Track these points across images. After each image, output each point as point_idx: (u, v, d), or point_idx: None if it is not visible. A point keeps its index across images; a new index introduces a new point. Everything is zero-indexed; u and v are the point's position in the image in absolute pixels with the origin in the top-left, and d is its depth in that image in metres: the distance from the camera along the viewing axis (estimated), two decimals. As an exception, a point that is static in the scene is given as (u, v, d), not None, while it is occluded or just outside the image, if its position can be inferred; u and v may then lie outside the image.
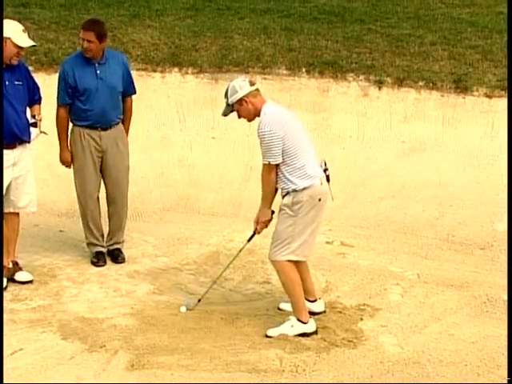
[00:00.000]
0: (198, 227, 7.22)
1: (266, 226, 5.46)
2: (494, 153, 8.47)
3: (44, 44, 9.85)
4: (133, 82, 6.42)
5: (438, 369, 4.98)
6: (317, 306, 5.60)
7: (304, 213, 5.25)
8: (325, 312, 5.61)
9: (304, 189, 5.22)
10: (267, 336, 5.30)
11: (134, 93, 6.44)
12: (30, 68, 9.05)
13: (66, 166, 6.39)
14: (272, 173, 5.24)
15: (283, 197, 5.32)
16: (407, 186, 8.02)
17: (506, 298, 5.61)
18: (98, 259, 6.39)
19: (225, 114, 5.40)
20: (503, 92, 9.04)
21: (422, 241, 7.02)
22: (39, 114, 6.00)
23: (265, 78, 9.38)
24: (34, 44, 5.91)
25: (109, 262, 6.42)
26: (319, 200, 5.26)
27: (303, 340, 5.26)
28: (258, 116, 5.25)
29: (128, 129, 6.51)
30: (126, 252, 6.54)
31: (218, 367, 4.95)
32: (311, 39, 10.48)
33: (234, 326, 5.45)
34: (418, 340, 5.32)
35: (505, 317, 5.34)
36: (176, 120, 9.14)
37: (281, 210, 5.30)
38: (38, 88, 6.03)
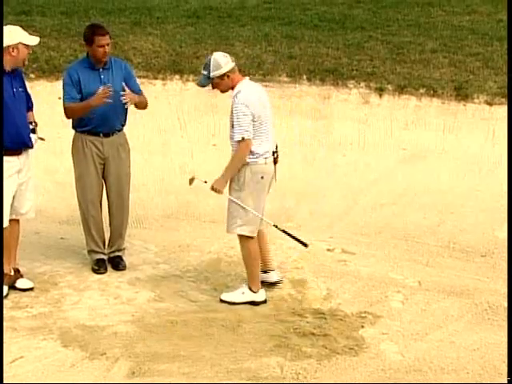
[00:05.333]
0: (199, 234, 7.21)
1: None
2: (495, 160, 8.47)
3: (45, 51, 9.87)
4: (138, 85, 6.40)
5: (439, 376, 4.97)
6: (271, 277, 6.03)
7: (248, 188, 5.66)
8: (281, 281, 6.05)
9: (246, 164, 5.62)
10: (221, 300, 5.76)
11: (141, 92, 6.42)
12: (31, 76, 9.15)
13: (105, 98, 5.96)
14: (249, 148, 5.60)
15: None
16: (408, 193, 8.02)
17: (506, 305, 5.60)
18: (98, 266, 6.39)
19: (202, 85, 5.82)
20: (504, 99, 9.04)
21: (422, 248, 7.02)
22: (34, 119, 6.02)
23: (266, 86, 9.36)
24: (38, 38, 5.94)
25: (110, 269, 6.42)
26: (261, 178, 5.67)
27: (304, 347, 5.25)
28: (232, 89, 5.67)
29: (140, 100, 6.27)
30: (126, 259, 6.53)
31: (219, 375, 4.94)
32: (312, 46, 10.49)
33: (235, 333, 5.44)
34: (420, 347, 5.31)
35: (506, 324, 5.34)
36: (177, 127, 9.15)
37: (230, 183, 5.71)
38: (29, 94, 6.06)
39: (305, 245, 5.95)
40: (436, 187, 8.11)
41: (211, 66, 5.64)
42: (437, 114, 9.19)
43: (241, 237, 5.81)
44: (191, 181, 5.91)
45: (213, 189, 5.73)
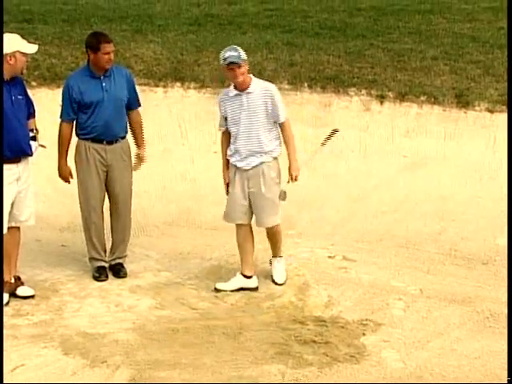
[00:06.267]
0: (200, 241, 7.21)
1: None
2: (496, 167, 8.47)
3: (47, 59, 9.89)
4: (137, 96, 6.45)
5: (440, 384, 4.97)
6: (254, 282, 6.22)
7: (280, 178, 6.08)
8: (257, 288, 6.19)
9: (277, 157, 6.08)
10: (276, 283, 6.18)
11: (139, 105, 6.46)
12: (33, 83, 9.17)
13: (65, 181, 6.42)
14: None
15: (259, 166, 5.98)
16: (409, 201, 8.02)
17: (506, 311, 5.59)
18: (99, 274, 6.39)
19: (236, 61, 5.82)
20: (504, 107, 9.04)
21: (424, 255, 7.01)
22: (36, 127, 6.03)
23: (267, 93, 9.38)
24: (37, 46, 5.96)
25: (111, 276, 6.42)
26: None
27: (305, 355, 5.25)
28: (244, 86, 5.95)
29: (143, 142, 6.51)
30: (127, 267, 6.53)
31: (220, 382, 4.93)
32: (313, 54, 10.51)
33: (236, 341, 5.44)
34: (421, 355, 5.30)
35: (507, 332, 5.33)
36: (178, 134, 9.16)
37: (267, 179, 6.01)
38: (31, 101, 6.07)
39: (335, 130, 6.52)
40: (437, 194, 8.10)
41: (240, 50, 5.87)
42: (438, 121, 9.19)
43: (277, 225, 6.20)
44: (284, 195, 6.07)
45: (296, 178, 6.05)
